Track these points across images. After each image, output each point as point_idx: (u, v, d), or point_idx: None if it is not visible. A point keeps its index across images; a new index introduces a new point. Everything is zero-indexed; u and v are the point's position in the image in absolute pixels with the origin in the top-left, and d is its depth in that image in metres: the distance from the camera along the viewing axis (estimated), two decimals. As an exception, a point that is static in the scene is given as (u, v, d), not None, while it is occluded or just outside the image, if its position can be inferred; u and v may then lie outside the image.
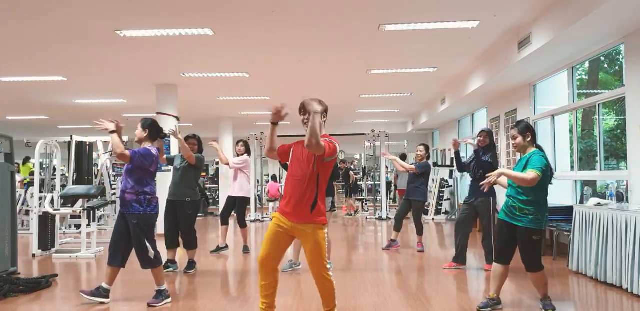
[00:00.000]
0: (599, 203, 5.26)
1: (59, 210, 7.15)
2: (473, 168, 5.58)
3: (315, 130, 3.10)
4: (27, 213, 9.39)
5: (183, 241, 5.73)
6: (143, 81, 9.42)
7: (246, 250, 7.07)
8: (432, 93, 11.39)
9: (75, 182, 8.93)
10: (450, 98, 10.73)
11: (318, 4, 5.49)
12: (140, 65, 8.18)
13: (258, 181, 13.48)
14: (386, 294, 4.62)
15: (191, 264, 5.74)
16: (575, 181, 7.18)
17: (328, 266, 3.32)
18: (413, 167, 6.97)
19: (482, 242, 5.68)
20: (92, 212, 7.04)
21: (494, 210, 5.49)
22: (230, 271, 6.11)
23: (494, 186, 5.53)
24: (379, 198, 12.75)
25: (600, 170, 6.46)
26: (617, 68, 7.00)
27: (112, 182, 9.76)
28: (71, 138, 9.14)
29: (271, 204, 13.47)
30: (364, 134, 12.96)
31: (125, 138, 4.69)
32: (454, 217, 11.67)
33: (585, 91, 7.57)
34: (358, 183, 15.27)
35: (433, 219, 11.88)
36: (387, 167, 13.19)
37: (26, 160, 13.36)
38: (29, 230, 8.78)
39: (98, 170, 10.06)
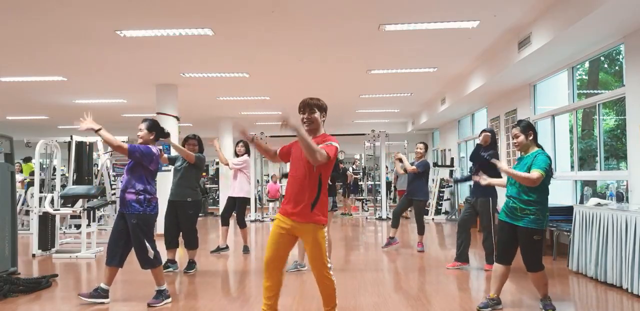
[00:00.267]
0: (599, 203, 5.26)
1: (59, 210, 7.15)
2: (474, 169, 5.57)
3: (309, 146, 3.07)
4: (27, 213, 9.39)
5: (184, 241, 5.73)
6: (143, 81, 9.42)
7: (246, 250, 7.07)
8: (432, 93, 11.39)
9: (75, 182, 8.93)
10: (450, 98, 10.73)
11: (318, 4, 5.49)
12: (140, 65, 8.18)
13: (258, 181, 13.48)
14: (386, 294, 4.62)
15: (191, 264, 5.74)
16: (575, 181, 7.18)
17: (329, 265, 3.32)
18: (414, 167, 6.96)
19: (483, 243, 5.68)
20: (92, 212, 7.04)
21: (493, 210, 5.49)
22: (230, 271, 6.11)
23: (495, 186, 5.54)
24: (379, 198, 12.75)
25: (600, 170, 6.46)
26: (617, 68, 7.00)
27: (112, 182, 9.76)
28: (71, 138, 9.14)
29: (271, 204, 13.48)
30: (364, 134, 12.96)
31: (125, 138, 4.69)
32: (454, 217, 11.67)
33: (585, 91, 7.57)
34: (358, 183, 15.27)
35: (433, 219, 11.88)
36: (387, 167, 13.19)
37: (28, 159, 13.36)
38: (29, 230, 8.78)
39: (98, 170, 10.06)
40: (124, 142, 4.44)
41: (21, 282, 4.81)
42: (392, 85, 10.29)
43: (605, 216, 4.85)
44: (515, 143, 3.97)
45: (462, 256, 5.73)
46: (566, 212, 6.19)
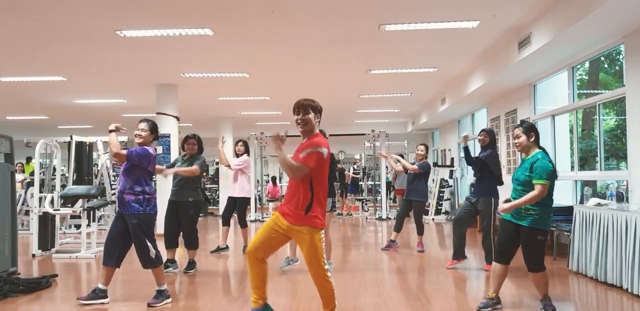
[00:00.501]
0: (599, 203, 5.26)
1: (59, 210, 7.15)
2: (475, 168, 5.57)
3: (287, 166, 3.19)
4: (27, 213, 9.39)
5: (185, 241, 5.73)
6: (143, 81, 9.43)
7: (246, 250, 7.05)
8: (432, 93, 11.39)
9: (75, 182, 8.93)
10: (450, 98, 10.73)
11: (318, 4, 5.49)
12: (140, 65, 8.18)
13: (258, 181, 13.48)
14: (386, 294, 4.62)
15: (191, 264, 5.74)
16: (576, 181, 7.18)
17: (327, 267, 3.32)
18: (415, 167, 6.94)
19: (482, 243, 5.67)
20: (92, 212, 7.04)
21: (494, 210, 5.49)
22: (230, 271, 6.11)
23: (497, 187, 5.55)
24: (379, 198, 12.75)
25: (601, 170, 6.46)
26: (617, 68, 7.00)
27: (112, 182, 9.76)
28: (71, 138, 9.14)
29: (271, 204, 13.48)
30: (364, 134, 12.96)
31: (124, 138, 4.68)
32: (454, 217, 11.67)
33: (585, 91, 7.57)
34: (359, 183, 15.27)
35: (433, 219, 11.88)
36: (387, 167, 13.18)
37: (30, 159, 13.38)
38: (29, 230, 8.78)
39: (98, 170, 10.06)
40: (124, 142, 4.43)
41: (21, 282, 4.81)
42: (392, 85, 10.29)
43: (606, 216, 4.85)
44: (516, 143, 3.96)
45: (458, 253, 5.71)
46: (566, 212, 6.19)
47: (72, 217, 8.92)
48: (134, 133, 4.38)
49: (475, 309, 4.02)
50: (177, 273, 5.66)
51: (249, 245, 3.37)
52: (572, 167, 7.20)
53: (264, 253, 3.37)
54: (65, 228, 9.15)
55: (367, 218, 12.82)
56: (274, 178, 14.63)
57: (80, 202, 7.35)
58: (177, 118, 9.83)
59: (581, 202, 6.52)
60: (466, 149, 5.68)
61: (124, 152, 4.18)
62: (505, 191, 4.79)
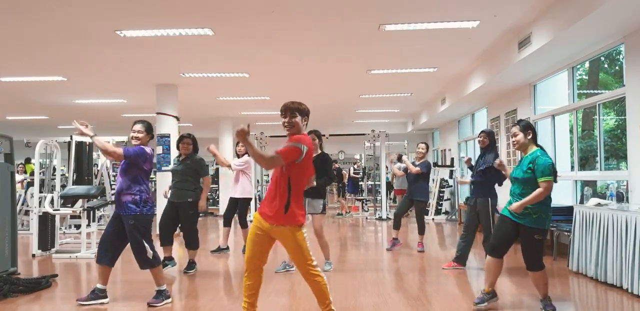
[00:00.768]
0: (599, 203, 5.26)
1: (58, 210, 7.15)
2: (475, 171, 5.55)
3: (253, 154, 3.12)
4: (27, 213, 9.39)
5: (185, 242, 5.74)
6: (143, 81, 9.43)
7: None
8: (432, 93, 11.39)
9: (75, 182, 8.93)
10: (450, 98, 10.73)
11: (318, 4, 5.49)
12: (140, 65, 8.18)
13: (258, 181, 13.48)
14: (386, 294, 4.62)
15: (191, 264, 5.74)
16: (576, 181, 7.18)
17: (315, 263, 3.31)
18: (418, 168, 6.94)
19: (483, 243, 5.67)
20: (92, 212, 7.04)
21: (493, 210, 5.49)
22: (230, 271, 6.11)
23: (495, 187, 5.54)
24: (379, 198, 12.75)
25: (601, 170, 6.46)
26: (617, 68, 7.00)
27: (112, 182, 9.76)
28: (71, 138, 9.14)
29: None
30: (364, 134, 12.96)
31: (124, 138, 4.67)
32: (454, 217, 11.68)
33: (585, 91, 7.57)
34: (358, 183, 15.27)
35: (433, 219, 11.88)
36: (387, 167, 13.19)
37: (28, 160, 13.39)
38: (29, 230, 8.78)
39: (98, 170, 10.07)
40: (123, 142, 4.42)
41: (21, 282, 4.81)
42: (392, 85, 10.29)
43: (606, 216, 4.85)
44: (513, 141, 3.96)
45: (460, 258, 5.72)
46: (566, 212, 6.19)
47: (72, 217, 8.92)
48: (130, 135, 4.34)
49: (474, 309, 4.01)
50: (175, 270, 5.67)
51: (245, 255, 3.37)
52: (572, 167, 7.20)
53: (260, 259, 3.37)
54: (65, 228, 9.15)
55: (367, 218, 12.81)
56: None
57: (80, 202, 7.35)
58: (177, 118, 9.83)
59: (581, 202, 6.51)
60: (471, 168, 5.72)
61: (120, 150, 4.16)
62: (504, 191, 4.79)
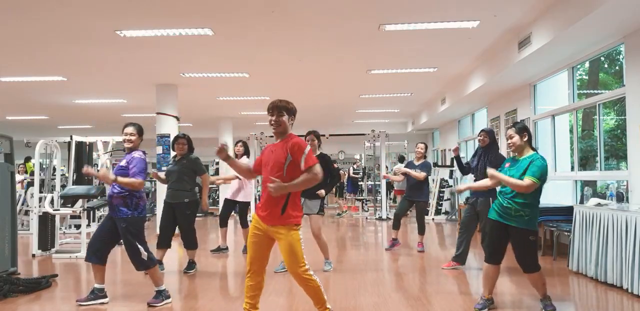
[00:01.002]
0: (599, 203, 5.26)
1: (58, 210, 7.15)
2: (479, 169, 5.51)
3: (305, 185, 3.23)
4: (27, 213, 9.39)
5: (183, 242, 5.72)
6: (143, 81, 9.43)
7: (246, 250, 7.05)
8: (432, 93, 11.39)
9: (75, 182, 8.93)
10: (450, 98, 10.73)
11: (318, 4, 5.49)
12: (140, 65, 8.18)
13: (258, 181, 13.47)
14: (386, 294, 4.62)
15: (191, 264, 5.74)
16: (576, 181, 7.18)
17: (307, 266, 3.29)
18: (423, 174, 6.86)
19: (482, 243, 5.66)
20: (92, 212, 7.05)
21: None
22: (230, 271, 6.11)
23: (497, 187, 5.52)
24: (379, 198, 12.75)
25: (601, 170, 6.46)
26: (617, 68, 7.00)
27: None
28: (71, 138, 9.14)
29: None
30: (364, 134, 12.97)
31: (119, 138, 4.63)
32: (454, 217, 11.67)
33: (585, 91, 7.57)
34: (358, 183, 15.27)
35: (433, 219, 11.88)
36: (387, 167, 13.19)
37: (28, 159, 13.38)
38: (29, 230, 8.78)
39: (98, 170, 10.05)
40: (113, 143, 4.40)
41: (21, 282, 4.81)
42: (392, 85, 10.29)
43: (606, 216, 4.85)
44: (509, 143, 3.96)
45: (460, 257, 5.71)
46: (566, 212, 6.19)
47: (72, 217, 8.92)
48: (122, 138, 4.31)
49: (474, 309, 4.01)
50: (176, 271, 5.68)
51: (247, 256, 3.37)
52: (572, 167, 7.20)
53: (262, 260, 3.37)
54: (65, 228, 9.15)
55: (367, 218, 12.81)
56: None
57: (80, 202, 7.35)
58: (177, 118, 9.83)
59: (581, 202, 6.51)
60: (457, 159, 5.74)
61: (141, 181, 4.16)
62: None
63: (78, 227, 8.43)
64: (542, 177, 3.70)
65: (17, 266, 5.63)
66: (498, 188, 4.07)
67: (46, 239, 7.02)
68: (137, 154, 4.27)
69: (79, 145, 9.21)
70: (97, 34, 6.42)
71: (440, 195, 12.28)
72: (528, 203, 3.77)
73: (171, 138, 9.36)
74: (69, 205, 7.90)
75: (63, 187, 8.46)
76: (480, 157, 5.50)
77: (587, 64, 7.49)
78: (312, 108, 12.82)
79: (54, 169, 8.85)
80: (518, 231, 3.80)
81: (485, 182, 4.17)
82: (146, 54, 7.48)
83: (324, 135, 5.89)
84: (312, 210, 5.46)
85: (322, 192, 5.43)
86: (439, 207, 12.28)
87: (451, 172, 12.67)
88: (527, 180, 3.67)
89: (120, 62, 7.92)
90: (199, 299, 4.55)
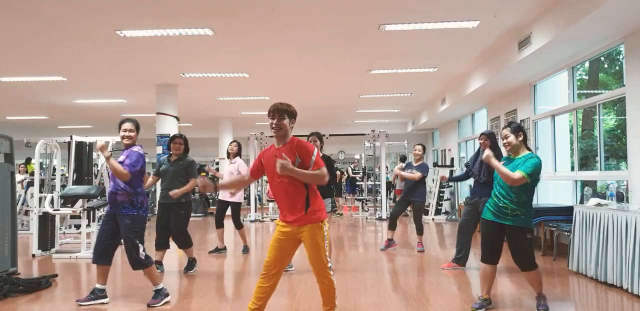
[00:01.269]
0: (599, 203, 5.26)
1: (58, 210, 7.15)
2: (479, 172, 5.50)
3: (312, 179, 3.21)
4: (27, 213, 9.39)
5: (177, 243, 5.67)
6: (143, 81, 9.43)
7: (246, 250, 7.06)
8: (432, 93, 11.39)
9: (75, 182, 8.92)
10: (450, 98, 10.73)
11: (318, 4, 5.49)
12: (140, 65, 8.18)
13: (258, 181, 13.47)
14: (386, 294, 4.62)
15: (191, 263, 5.72)
16: (576, 181, 7.18)
17: (329, 265, 3.32)
18: (419, 174, 6.89)
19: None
20: (92, 212, 7.04)
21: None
22: (229, 271, 6.11)
23: None
24: (379, 198, 12.75)
25: (601, 170, 6.46)
26: (617, 68, 7.00)
27: (112, 182, 9.75)
28: (71, 138, 9.13)
29: (271, 204, 13.47)
30: (364, 134, 12.97)
31: (117, 138, 4.62)
32: (454, 217, 11.67)
33: (585, 91, 7.56)
34: (356, 183, 15.28)
35: (433, 219, 11.88)
36: (387, 167, 13.18)
37: (29, 160, 13.39)
38: (29, 230, 8.78)
39: (98, 170, 10.06)
40: (113, 143, 4.38)
41: (21, 282, 4.81)
42: (392, 85, 10.29)
43: (606, 216, 4.85)
44: (505, 143, 3.97)
45: (460, 260, 5.71)
46: (566, 212, 6.19)
47: (72, 217, 8.92)
48: (120, 134, 4.29)
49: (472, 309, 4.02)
50: (176, 271, 5.67)
51: (266, 259, 3.34)
52: (572, 167, 7.20)
53: (283, 264, 3.35)
54: (65, 228, 9.15)
55: (367, 218, 12.82)
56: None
57: (80, 202, 7.35)
58: (177, 118, 9.83)
59: (581, 202, 6.51)
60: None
61: (126, 171, 4.13)
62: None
63: (78, 227, 8.42)
64: (533, 174, 3.71)
65: (17, 266, 5.63)
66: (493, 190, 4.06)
67: (46, 239, 7.02)
68: (135, 148, 4.28)
69: (79, 145, 9.20)
70: (97, 34, 6.42)
71: (440, 195, 12.29)
72: (523, 202, 3.79)
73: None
74: (69, 205, 7.89)
75: (63, 187, 8.45)
76: (481, 159, 5.49)
77: (587, 64, 7.48)
78: (312, 109, 12.82)
79: (54, 169, 8.84)
80: (515, 229, 3.81)
81: (500, 167, 4.00)
82: (146, 54, 7.49)
83: (323, 135, 5.89)
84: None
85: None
86: (439, 207, 12.28)
87: (451, 172, 12.67)
88: (518, 174, 3.68)
89: (120, 62, 7.92)
90: (198, 299, 4.54)
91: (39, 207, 6.95)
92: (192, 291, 4.91)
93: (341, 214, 13.61)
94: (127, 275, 5.41)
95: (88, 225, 6.85)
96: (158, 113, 9.68)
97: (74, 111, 12.89)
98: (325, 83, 9.89)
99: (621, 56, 6.23)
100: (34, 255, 6.83)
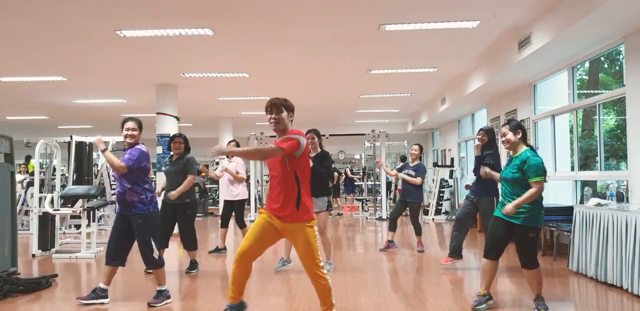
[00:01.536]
0: (599, 203, 5.26)
1: (58, 210, 7.15)
2: (475, 170, 5.51)
3: (248, 154, 3.32)
4: (27, 213, 9.39)
5: (183, 243, 5.70)
6: (143, 81, 9.43)
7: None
8: (432, 93, 11.39)
9: (75, 182, 8.93)
10: (450, 98, 10.73)
11: (318, 4, 5.49)
12: (140, 65, 8.18)
13: (258, 181, 13.48)
14: (386, 294, 4.62)
15: (193, 264, 5.74)
16: (576, 181, 7.18)
17: (322, 264, 3.32)
18: (419, 178, 6.89)
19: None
20: (92, 212, 7.04)
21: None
22: (229, 271, 6.10)
23: (498, 186, 5.51)
24: (379, 198, 12.74)
25: (601, 170, 6.46)
26: (617, 68, 7.00)
27: (112, 182, 9.74)
28: (71, 138, 9.14)
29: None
30: (364, 134, 12.97)
31: (119, 138, 4.62)
32: (454, 217, 11.67)
33: (585, 91, 7.56)
34: (354, 183, 15.28)
35: (433, 219, 11.88)
36: (387, 167, 13.17)
37: (29, 158, 13.39)
38: (29, 230, 8.78)
39: (98, 170, 10.06)
40: (112, 143, 4.39)
41: (21, 282, 4.81)
42: (392, 85, 10.29)
43: (606, 216, 4.85)
44: (503, 141, 3.99)
45: (455, 252, 5.69)
46: (566, 212, 6.19)
47: (72, 217, 8.92)
48: (123, 133, 4.28)
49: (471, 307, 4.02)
50: (176, 271, 5.67)
51: (240, 247, 3.34)
52: (572, 167, 7.20)
53: (255, 253, 3.36)
54: (65, 228, 9.15)
55: (367, 218, 12.82)
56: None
57: (80, 202, 7.35)
58: (177, 118, 9.83)
59: (581, 202, 6.51)
60: (479, 159, 5.61)
61: (123, 164, 4.12)
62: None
63: (78, 227, 8.43)
64: (543, 173, 3.78)
65: (17, 266, 5.63)
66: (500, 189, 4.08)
67: (46, 239, 7.02)
68: (139, 146, 4.29)
69: (79, 145, 9.21)
70: (97, 34, 6.42)
71: (440, 195, 12.29)
72: (532, 200, 3.79)
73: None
74: (69, 205, 7.90)
75: (63, 187, 8.46)
76: (477, 159, 5.51)
77: (587, 64, 7.48)
78: (312, 108, 12.82)
79: (54, 169, 8.85)
80: (520, 228, 3.83)
81: (520, 200, 3.87)
82: (146, 54, 7.48)
83: (323, 135, 5.90)
84: (320, 207, 5.50)
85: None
86: (439, 207, 12.28)
87: (451, 172, 12.67)
88: (534, 184, 3.75)
89: (120, 62, 7.92)
90: (199, 299, 4.55)
91: (39, 207, 6.96)
92: (192, 291, 4.91)
93: (341, 214, 13.62)
94: (127, 275, 5.41)
95: (88, 225, 6.85)
96: (158, 113, 9.68)
97: (74, 111, 12.89)
98: (325, 83, 9.89)
99: (621, 56, 6.23)
100: (34, 255, 6.83)
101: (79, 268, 6.18)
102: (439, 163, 14.17)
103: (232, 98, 11.36)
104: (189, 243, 5.68)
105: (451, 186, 12.43)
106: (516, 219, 3.83)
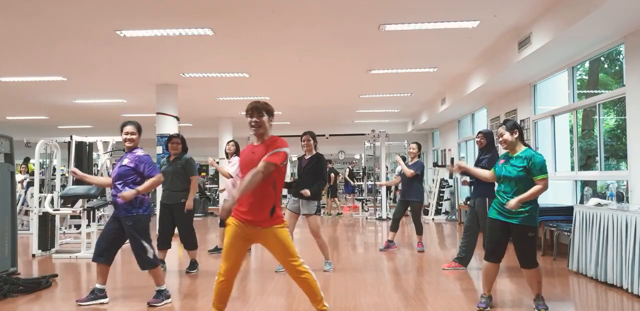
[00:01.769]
0: (599, 203, 5.26)
1: (58, 210, 7.15)
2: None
3: (253, 185, 3.11)
4: (27, 213, 9.39)
5: (183, 243, 5.71)
6: (143, 81, 9.43)
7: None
8: (432, 93, 11.39)
9: (75, 182, 8.92)
10: (450, 98, 10.73)
11: (318, 4, 5.49)
12: (140, 65, 8.18)
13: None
14: (386, 294, 4.62)
15: (193, 264, 5.74)
16: (576, 181, 7.18)
17: (301, 260, 3.30)
18: (413, 171, 6.95)
19: (483, 243, 5.65)
20: (92, 212, 7.04)
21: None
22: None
23: (493, 187, 5.51)
24: (379, 198, 12.75)
25: (601, 170, 6.46)
26: (617, 68, 7.00)
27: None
28: (71, 138, 9.14)
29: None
30: (364, 134, 12.97)
31: (119, 138, 4.61)
32: (454, 217, 11.68)
33: (585, 91, 7.57)
34: (356, 183, 15.27)
35: (433, 219, 11.89)
36: (387, 167, 13.19)
37: (27, 159, 13.38)
38: (29, 230, 8.78)
39: (98, 170, 10.06)
40: (113, 142, 4.39)
41: (21, 282, 4.81)
42: (392, 85, 10.29)
43: (606, 216, 4.85)
44: (501, 141, 3.99)
45: (463, 260, 5.69)
46: (566, 212, 6.19)
47: (72, 217, 8.92)
48: (123, 137, 4.27)
49: (474, 309, 4.01)
50: (176, 270, 5.67)
51: (223, 265, 3.29)
52: (572, 167, 7.20)
53: (237, 266, 3.34)
54: (65, 228, 9.15)
55: (367, 218, 12.82)
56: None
57: (80, 202, 7.35)
58: (177, 118, 9.83)
59: (581, 202, 6.51)
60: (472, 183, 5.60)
61: (156, 176, 4.20)
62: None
63: (78, 227, 8.43)
64: (546, 170, 3.82)
65: (17, 266, 5.63)
66: (496, 187, 4.08)
67: (46, 239, 7.02)
68: (140, 152, 4.28)
69: (79, 145, 9.21)
70: (97, 34, 6.42)
71: (440, 195, 12.29)
72: (533, 198, 3.79)
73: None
74: (69, 205, 7.90)
75: (63, 187, 8.46)
76: (477, 159, 5.52)
77: (587, 64, 7.49)
78: (312, 108, 12.82)
79: (54, 169, 8.85)
80: (519, 227, 3.83)
81: (526, 195, 3.86)
82: (146, 54, 7.48)
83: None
84: (309, 210, 5.48)
85: (307, 191, 5.42)
86: (439, 207, 12.28)
87: (451, 172, 12.67)
88: (539, 182, 3.76)
89: (120, 62, 7.92)
90: (199, 299, 4.55)
91: (39, 207, 6.96)
92: (192, 290, 4.91)
93: (341, 214, 13.62)
94: (127, 275, 5.41)
95: (88, 225, 6.85)
96: (158, 113, 9.68)
97: (74, 111, 12.89)
98: (325, 83, 9.89)
99: (621, 56, 6.23)
100: (34, 255, 6.83)
101: (79, 268, 6.18)
102: (439, 163, 14.17)
103: (232, 98, 11.36)
104: (189, 242, 5.69)
105: (451, 186, 12.43)
106: (514, 219, 3.82)
